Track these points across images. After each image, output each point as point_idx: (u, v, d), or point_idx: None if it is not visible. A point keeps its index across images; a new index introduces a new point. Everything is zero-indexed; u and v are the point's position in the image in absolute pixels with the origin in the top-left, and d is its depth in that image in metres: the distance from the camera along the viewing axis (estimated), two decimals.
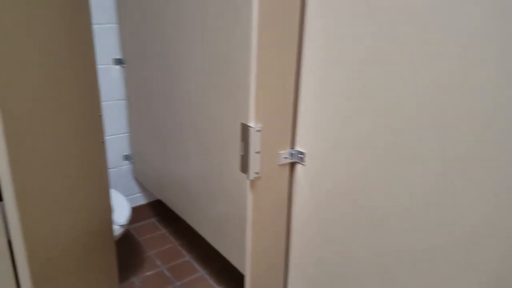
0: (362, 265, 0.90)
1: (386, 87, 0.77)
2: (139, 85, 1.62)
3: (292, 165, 1.01)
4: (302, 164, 0.98)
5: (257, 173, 0.91)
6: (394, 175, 0.79)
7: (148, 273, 1.66)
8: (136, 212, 1.98)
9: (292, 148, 0.98)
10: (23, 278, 0.66)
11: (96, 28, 1.59)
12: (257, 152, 0.89)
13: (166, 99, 1.47)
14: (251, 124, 0.87)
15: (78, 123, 0.91)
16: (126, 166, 1.88)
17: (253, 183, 0.92)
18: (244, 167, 0.90)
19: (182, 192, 1.53)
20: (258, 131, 0.87)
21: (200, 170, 1.37)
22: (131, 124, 1.79)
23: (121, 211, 1.50)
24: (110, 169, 1.83)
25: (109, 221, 1.14)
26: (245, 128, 0.87)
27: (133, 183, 1.93)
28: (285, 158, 0.97)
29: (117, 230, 1.43)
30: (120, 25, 1.62)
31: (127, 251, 1.80)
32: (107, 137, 1.77)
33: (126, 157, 1.86)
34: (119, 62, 1.70)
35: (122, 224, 1.45)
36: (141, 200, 1.98)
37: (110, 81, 1.70)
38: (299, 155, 0.98)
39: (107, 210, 1.13)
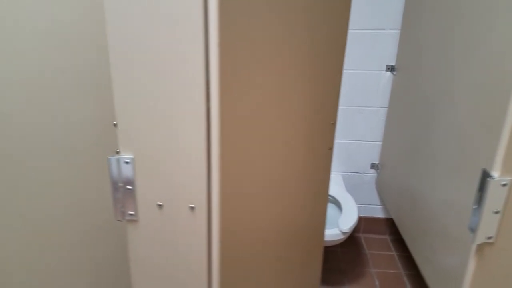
0: None
1: None
2: (405, 95, 1.51)
3: None
4: None
5: (489, 238, 0.67)
6: None
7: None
8: (371, 224, 1.92)
9: None
10: (226, 264, 0.76)
11: (377, 33, 1.58)
12: (496, 212, 0.65)
13: (427, 115, 1.30)
14: (494, 174, 0.63)
15: (310, 127, 0.95)
16: (371, 174, 1.83)
17: (481, 248, 0.68)
18: (473, 225, 0.68)
19: (416, 219, 1.35)
20: (503, 185, 0.63)
21: (439, 202, 1.15)
22: (386, 133, 1.71)
23: (347, 218, 1.49)
24: (354, 173, 1.83)
25: (321, 226, 1.15)
26: (484, 177, 0.65)
27: (374, 193, 1.87)
28: None
29: (338, 235, 1.43)
30: (402, 31, 1.55)
31: (352, 259, 1.79)
32: (360, 142, 1.77)
33: (373, 166, 1.81)
34: (391, 69, 1.64)
35: (345, 231, 1.43)
36: (380, 212, 1.90)
37: (377, 87, 1.67)
38: None
39: (322, 214, 1.14)
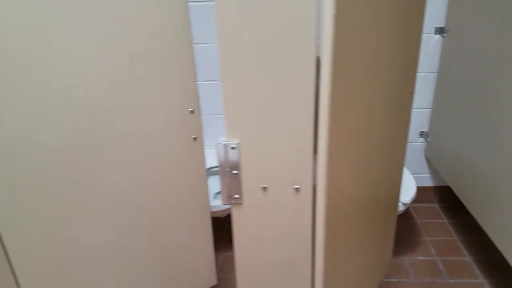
0: None
1: None
2: (459, 58, 1.46)
3: None
4: None
5: None
6: None
7: (419, 258, 1.60)
8: (420, 193, 1.90)
9: None
10: (319, 226, 0.75)
11: None
12: None
13: (490, 76, 1.26)
14: None
15: (390, 98, 0.92)
16: (419, 143, 1.80)
17: None
18: None
19: (480, 186, 1.33)
20: None
21: (502, 164, 1.13)
22: (436, 99, 1.67)
23: (406, 190, 1.47)
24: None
25: (396, 196, 1.14)
26: None
27: (423, 161, 1.84)
28: None
29: (400, 207, 1.42)
30: None
31: (404, 229, 1.78)
32: None
33: (422, 134, 1.78)
34: (440, 31, 1.58)
35: (406, 202, 1.42)
36: (427, 181, 1.88)
37: (426, 51, 1.62)
38: None
39: (397, 185, 1.13)
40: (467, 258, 1.58)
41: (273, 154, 0.72)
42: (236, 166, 0.73)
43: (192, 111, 0.97)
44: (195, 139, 1.00)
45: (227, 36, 0.64)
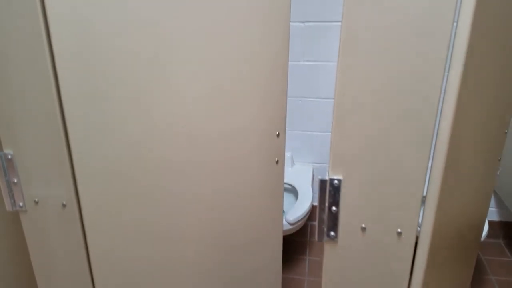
0: None
1: None
2: None
3: None
4: None
5: None
6: None
7: None
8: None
9: None
10: (420, 261, 0.70)
11: None
12: None
13: None
14: None
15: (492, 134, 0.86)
16: None
17: None
18: None
19: None
20: None
21: None
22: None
23: None
24: None
25: (481, 226, 1.06)
26: None
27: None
28: None
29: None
30: None
31: None
32: None
33: None
34: None
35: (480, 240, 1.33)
36: (494, 215, 1.77)
37: None
38: None
39: (486, 206, 1.05)
40: None
41: (377, 194, 0.68)
42: (336, 203, 0.69)
43: (278, 135, 0.94)
44: (277, 162, 0.97)
45: (346, 69, 0.61)
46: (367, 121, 0.64)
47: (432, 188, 0.65)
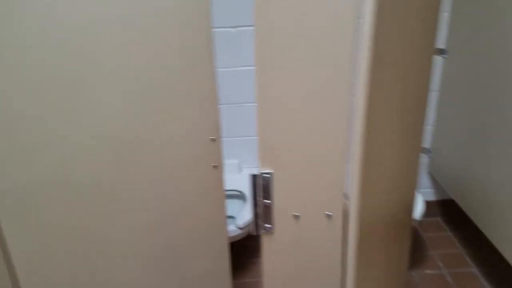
0: None
1: None
2: (460, 77, 1.52)
3: None
4: None
5: None
6: None
7: (428, 272, 1.62)
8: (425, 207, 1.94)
9: None
10: (351, 245, 0.77)
11: None
12: None
13: (490, 95, 1.31)
14: None
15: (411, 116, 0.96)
16: (422, 158, 1.84)
17: None
18: None
19: (485, 198, 1.37)
20: None
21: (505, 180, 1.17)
22: (438, 117, 1.72)
23: (415, 206, 1.50)
24: None
25: (411, 208, 1.16)
26: None
27: (425, 177, 1.88)
28: None
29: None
30: (452, 13, 1.54)
31: (411, 244, 1.81)
32: None
33: (424, 150, 1.82)
34: (440, 52, 1.64)
35: (417, 219, 1.45)
36: (430, 195, 1.92)
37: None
38: None
39: (412, 195, 1.15)
40: (474, 269, 1.61)
41: (305, 182, 0.74)
42: (268, 195, 0.74)
43: (213, 139, 0.98)
44: (215, 167, 1.01)
45: (264, 65, 0.66)
46: (288, 115, 0.69)
47: (353, 171, 0.72)
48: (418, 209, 1.48)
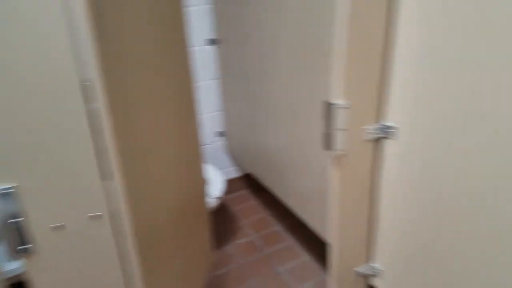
0: (454, 245, 0.85)
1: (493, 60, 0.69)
2: (233, 63, 1.69)
3: (380, 140, 0.97)
4: (392, 139, 0.94)
5: (341, 150, 0.90)
6: (493, 157, 0.72)
7: (240, 241, 1.79)
8: (230, 184, 2.11)
9: (380, 123, 0.95)
10: (130, 246, 0.77)
11: (188, 10, 1.68)
12: (342, 129, 0.88)
13: (257, 76, 1.51)
14: (336, 101, 0.85)
15: (177, 104, 1.01)
16: (220, 142, 2.00)
17: (337, 159, 0.92)
18: (327, 145, 0.90)
19: (270, 165, 1.59)
20: (342, 108, 0.86)
21: (286, 144, 1.40)
22: (224, 102, 1.88)
23: (216, 184, 1.62)
24: (205, 145, 1.97)
25: (203, 194, 1.25)
26: (328, 106, 0.86)
27: (226, 157, 2.05)
28: (372, 133, 0.94)
29: (213, 202, 1.56)
30: (216, 5, 1.69)
31: (223, 220, 1.95)
32: (202, 115, 1.90)
33: (220, 134, 1.98)
34: (212, 42, 1.78)
35: (217, 196, 1.56)
36: (234, 173, 2.11)
37: (204, 61, 1.80)
38: (389, 129, 0.94)
39: (202, 183, 1.23)
40: (277, 227, 1.86)
41: (58, 191, 0.69)
42: (15, 214, 0.66)
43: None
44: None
45: None
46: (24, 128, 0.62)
47: (115, 172, 0.70)
48: (219, 187, 1.60)
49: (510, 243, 0.75)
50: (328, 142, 0.89)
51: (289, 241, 1.76)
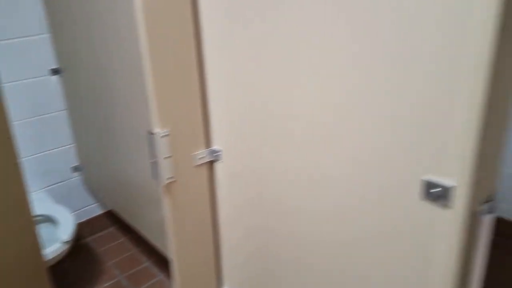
0: (289, 256, 0.90)
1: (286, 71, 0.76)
2: (77, 92, 1.58)
3: (212, 163, 0.99)
4: (220, 162, 0.96)
5: (170, 177, 0.89)
6: (309, 160, 0.78)
7: (105, 285, 1.64)
8: (94, 223, 1.95)
9: (208, 148, 0.97)
10: None
11: (25, 40, 1.54)
12: (167, 157, 0.87)
13: (100, 105, 1.44)
14: (156, 130, 0.84)
15: None
16: (76, 177, 1.84)
17: (168, 187, 0.90)
18: (155, 174, 0.88)
19: (126, 198, 1.51)
20: (164, 136, 0.85)
21: (134, 175, 1.35)
22: (75, 134, 1.75)
23: (65, 227, 1.47)
24: (59, 183, 1.79)
25: (37, 247, 1.10)
26: (150, 135, 0.85)
27: (86, 194, 1.90)
28: (201, 158, 0.95)
29: (62, 247, 1.40)
30: (54, 34, 1.58)
31: (85, 264, 1.77)
32: (51, 151, 1.73)
33: (76, 168, 1.82)
34: (56, 72, 1.65)
35: (67, 240, 1.41)
36: (97, 210, 1.95)
37: (48, 93, 1.66)
38: (217, 153, 0.96)
39: (33, 235, 1.08)
40: (146, 263, 1.76)
41: None
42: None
43: None
44: None
45: None
46: None
47: None
48: (68, 230, 1.45)
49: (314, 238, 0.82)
50: (155, 171, 0.88)
51: (159, 277, 1.68)
